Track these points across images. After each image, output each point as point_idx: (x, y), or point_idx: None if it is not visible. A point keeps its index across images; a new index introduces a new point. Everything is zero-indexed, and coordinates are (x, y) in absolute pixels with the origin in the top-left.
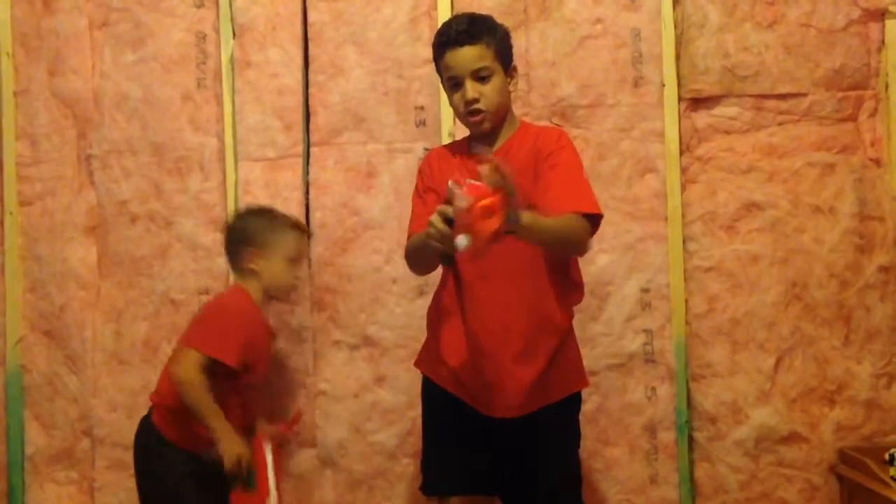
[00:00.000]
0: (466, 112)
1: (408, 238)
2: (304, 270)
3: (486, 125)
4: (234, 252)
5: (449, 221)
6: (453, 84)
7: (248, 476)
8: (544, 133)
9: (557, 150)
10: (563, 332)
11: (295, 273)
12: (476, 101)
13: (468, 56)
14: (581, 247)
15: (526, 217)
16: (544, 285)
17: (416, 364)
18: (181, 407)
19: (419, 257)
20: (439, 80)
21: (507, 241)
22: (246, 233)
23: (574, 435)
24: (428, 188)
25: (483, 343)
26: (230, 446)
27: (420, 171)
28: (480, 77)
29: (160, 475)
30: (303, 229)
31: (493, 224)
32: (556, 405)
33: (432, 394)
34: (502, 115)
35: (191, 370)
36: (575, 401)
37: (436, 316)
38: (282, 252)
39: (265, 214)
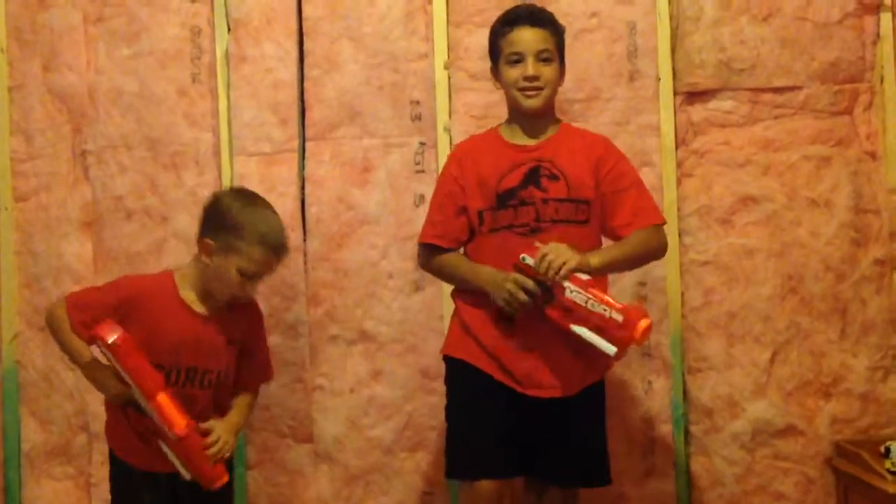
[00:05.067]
0: (523, 88)
1: (421, 242)
2: (255, 288)
3: (537, 103)
4: (203, 228)
5: (529, 293)
6: (513, 61)
7: (135, 403)
8: (596, 139)
9: (616, 163)
10: None
11: (247, 287)
12: (536, 77)
13: (536, 36)
14: (659, 254)
15: (594, 260)
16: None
17: (446, 350)
18: (111, 411)
19: (451, 280)
20: (494, 60)
21: (552, 228)
22: (215, 219)
23: (604, 415)
24: (450, 194)
25: (534, 325)
26: (102, 388)
27: (445, 176)
28: (542, 59)
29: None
30: (276, 248)
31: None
32: (593, 385)
33: (466, 378)
34: (551, 103)
35: (57, 310)
36: (602, 382)
37: (472, 301)
38: (236, 261)
39: (245, 211)
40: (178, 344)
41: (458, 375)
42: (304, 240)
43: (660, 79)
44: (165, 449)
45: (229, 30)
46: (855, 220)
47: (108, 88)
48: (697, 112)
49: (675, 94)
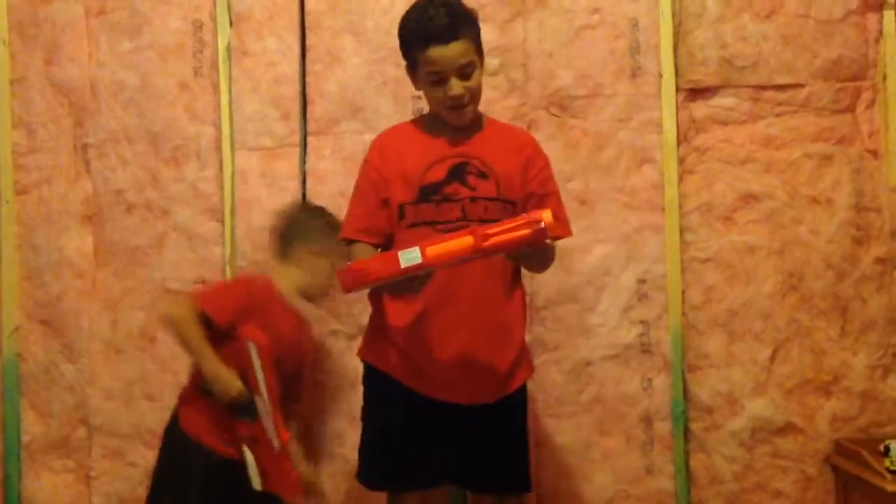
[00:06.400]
0: (450, 106)
1: (342, 237)
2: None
3: (466, 118)
4: (287, 242)
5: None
6: (435, 80)
7: (248, 407)
8: (526, 139)
9: (545, 167)
10: (525, 320)
11: (331, 282)
12: (462, 97)
13: (454, 53)
14: (549, 265)
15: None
16: (510, 278)
17: (362, 354)
18: (196, 396)
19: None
20: (409, 62)
21: None
22: (306, 229)
23: (526, 422)
24: (373, 185)
25: (463, 334)
26: (224, 387)
27: (367, 166)
28: (464, 74)
29: (170, 464)
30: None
31: None
32: (514, 393)
33: (381, 385)
34: (478, 105)
35: (181, 308)
36: (524, 390)
37: (391, 308)
38: (332, 258)
39: (328, 219)
40: (290, 345)
41: (374, 381)
42: None
43: (662, 75)
44: (248, 456)
45: (231, 24)
46: (856, 219)
47: (109, 82)
48: (699, 109)
49: (677, 90)
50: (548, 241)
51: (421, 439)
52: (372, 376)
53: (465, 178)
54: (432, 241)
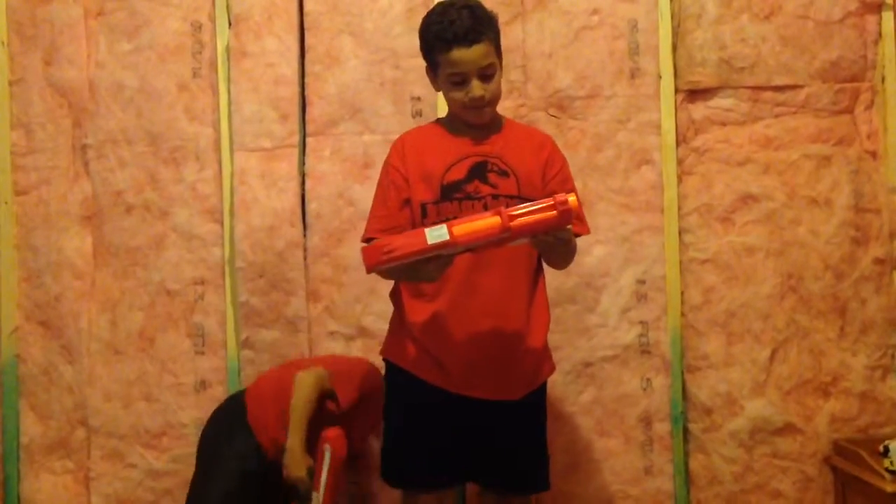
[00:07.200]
0: (470, 107)
1: (366, 238)
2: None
3: (486, 118)
4: None
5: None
6: (456, 82)
7: (304, 496)
8: (544, 139)
9: (564, 166)
10: (548, 316)
11: None
12: (482, 97)
13: (477, 55)
14: (570, 262)
15: (574, 239)
16: (533, 273)
17: (384, 353)
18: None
19: (394, 274)
20: (430, 63)
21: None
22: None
23: (545, 420)
24: (394, 185)
25: (487, 328)
26: (293, 467)
27: (388, 167)
28: (485, 75)
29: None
30: None
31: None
32: (534, 391)
33: (405, 383)
34: (497, 106)
35: (313, 379)
36: (544, 388)
37: (413, 304)
38: None
39: None
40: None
41: (396, 379)
42: (305, 235)
43: (661, 76)
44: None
45: (230, 25)
46: (855, 220)
47: (108, 83)
48: (698, 110)
49: (676, 91)
50: (570, 226)
51: (443, 437)
52: (394, 374)
53: (486, 176)
54: (459, 221)
